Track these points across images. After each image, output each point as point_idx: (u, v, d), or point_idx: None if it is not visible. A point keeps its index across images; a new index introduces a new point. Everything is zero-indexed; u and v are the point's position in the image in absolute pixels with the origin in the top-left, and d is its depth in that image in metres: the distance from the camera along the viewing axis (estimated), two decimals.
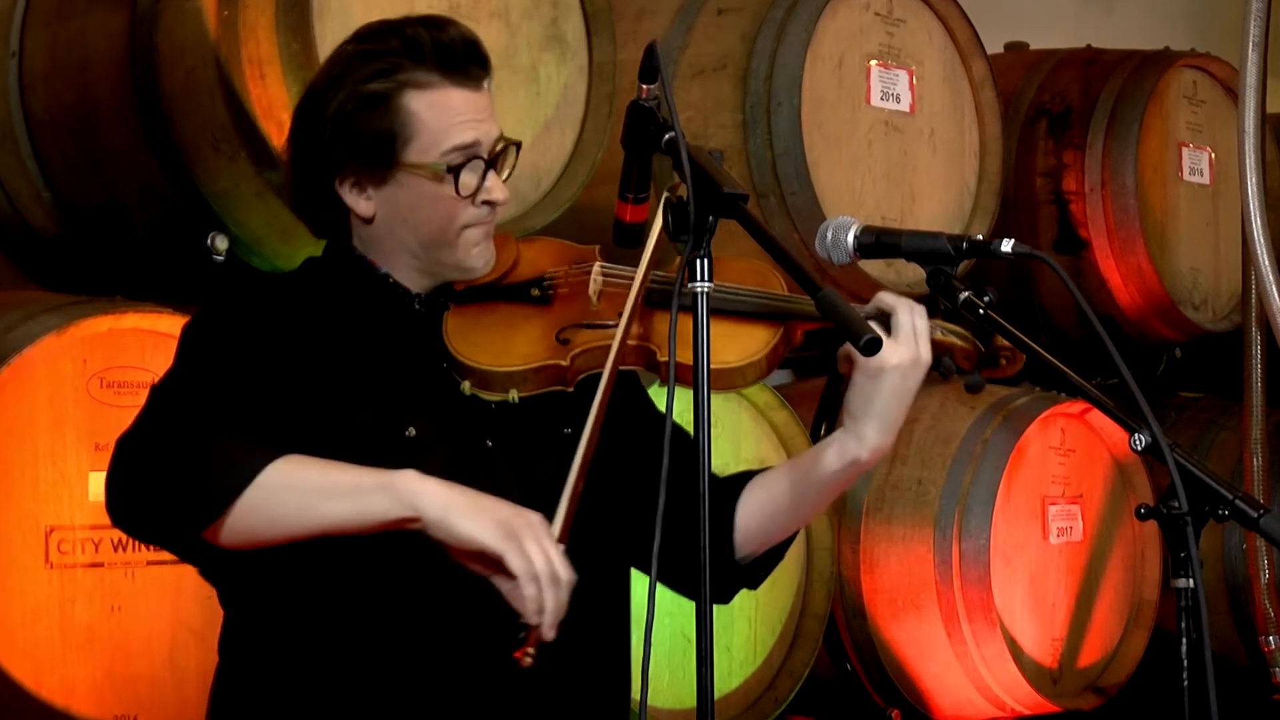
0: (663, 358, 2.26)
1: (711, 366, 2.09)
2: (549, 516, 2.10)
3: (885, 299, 2.28)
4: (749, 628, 3.79)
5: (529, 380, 2.26)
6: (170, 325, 2.96)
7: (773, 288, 2.37)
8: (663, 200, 2.14)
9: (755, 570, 2.44)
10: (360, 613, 2.21)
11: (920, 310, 2.27)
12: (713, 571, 2.23)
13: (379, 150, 2.24)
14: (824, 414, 4.19)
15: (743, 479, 2.42)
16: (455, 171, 2.24)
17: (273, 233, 3.24)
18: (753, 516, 2.38)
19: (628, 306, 2.23)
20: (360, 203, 2.27)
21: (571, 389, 2.28)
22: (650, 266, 2.27)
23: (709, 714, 2.00)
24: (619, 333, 2.22)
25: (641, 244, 2.33)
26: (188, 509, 2.07)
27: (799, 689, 3.85)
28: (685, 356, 2.08)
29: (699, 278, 2.07)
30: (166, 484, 2.07)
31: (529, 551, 2.03)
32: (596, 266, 2.36)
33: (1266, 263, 3.57)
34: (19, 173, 3.39)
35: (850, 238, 2.33)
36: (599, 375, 2.22)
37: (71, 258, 3.42)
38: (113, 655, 2.90)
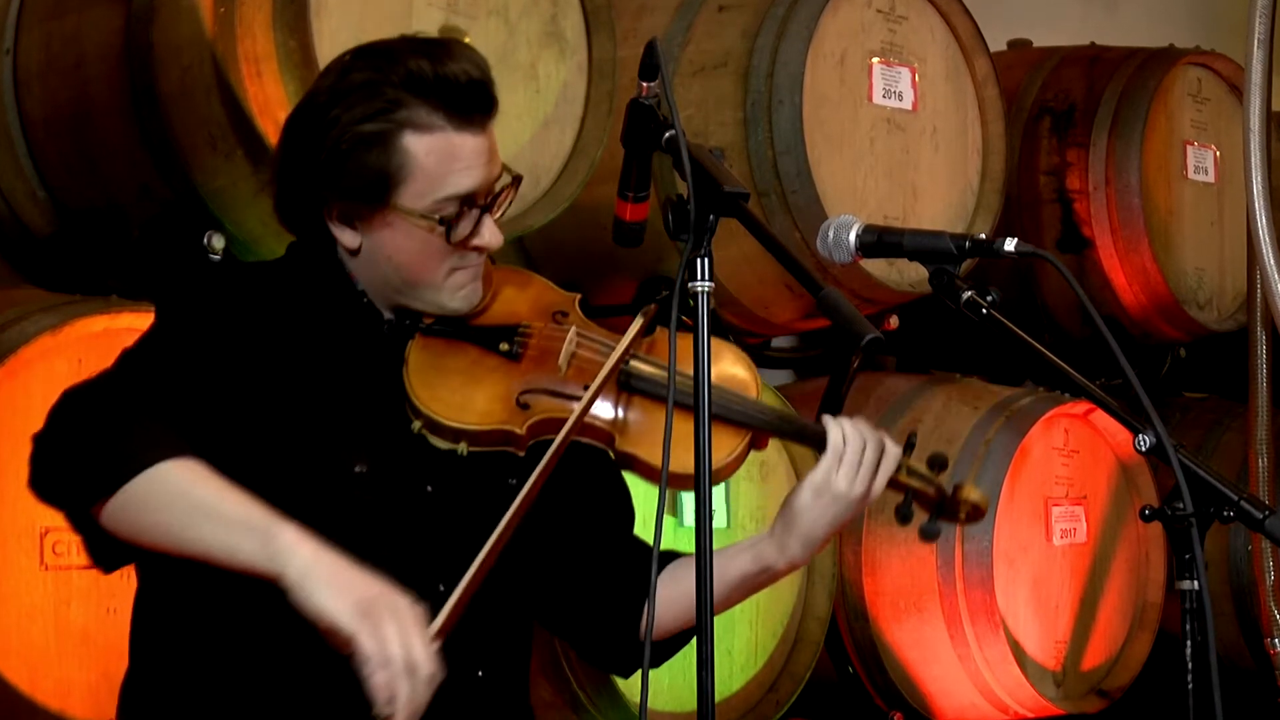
0: (621, 445, 2.23)
1: (674, 470, 2.08)
2: (464, 572, 2.04)
3: (860, 426, 2.28)
4: (750, 630, 3.76)
5: (480, 438, 2.21)
6: None
7: (741, 383, 2.32)
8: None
9: (655, 653, 2.39)
10: (265, 617, 2.11)
11: (891, 455, 2.29)
12: (614, 644, 2.33)
13: (372, 189, 2.16)
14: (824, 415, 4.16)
15: (664, 559, 2.37)
16: (448, 223, 2.17)
17: (269, 231, 3.22)
18: (660, 600, 2.28)
19: (594, 383, 2.19)
20: (346, 234, 2.22)
21: (522, 454, 2.22)
22: (627, 349, 2.23)
23: (709, 717, 1.99)
24: (576, 411, 2.17)
25: (641, 243, 2.31)
26: (80, 481, 2.03)
27: (800, 692, 3.83)
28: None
29: (699, 277, 2.05)
30: (75, 451, 2.04)
31: (385, 635, 1.93)
32: (572, 331, 2.29)
33: (1272, 262, 3.55)
34: (14, 171, 3.37)
35: (852, 237, 2.32)
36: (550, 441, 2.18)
37: (67, 257, 3.40)
38: (108, 657, 2.88)
